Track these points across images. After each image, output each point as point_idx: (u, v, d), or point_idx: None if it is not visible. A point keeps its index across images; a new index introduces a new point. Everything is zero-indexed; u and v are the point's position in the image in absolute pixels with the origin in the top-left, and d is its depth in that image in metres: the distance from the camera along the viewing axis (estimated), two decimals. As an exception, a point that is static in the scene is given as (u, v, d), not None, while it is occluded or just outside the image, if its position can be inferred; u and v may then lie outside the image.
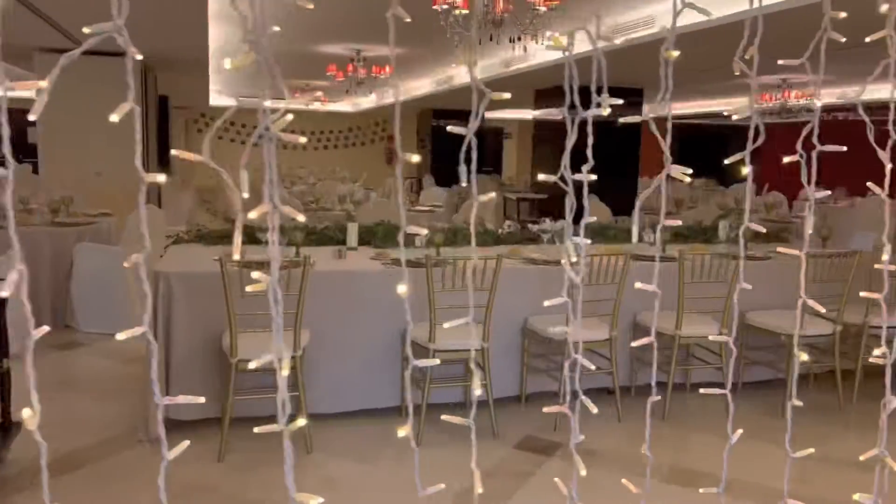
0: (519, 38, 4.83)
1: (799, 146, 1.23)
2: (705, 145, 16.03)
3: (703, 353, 4.61)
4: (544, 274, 4.26)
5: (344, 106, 19.06)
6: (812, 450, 1.37)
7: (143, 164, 0.85)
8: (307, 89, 14.12)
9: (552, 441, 3.84)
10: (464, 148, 1.01)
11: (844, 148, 1.26)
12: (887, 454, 1.40)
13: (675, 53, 1.10)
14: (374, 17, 6.27)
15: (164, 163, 15.03)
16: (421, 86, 14.13)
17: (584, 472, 1.21)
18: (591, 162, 1.13)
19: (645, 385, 4.46)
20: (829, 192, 1.67)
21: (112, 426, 3.87)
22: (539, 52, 9.00)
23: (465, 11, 5.14)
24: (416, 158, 0.95)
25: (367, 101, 17.94)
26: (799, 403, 1.44)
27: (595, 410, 1.20)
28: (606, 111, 1.10)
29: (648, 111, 1.21)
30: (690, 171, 1.17)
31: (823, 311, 1.46)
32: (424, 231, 1.17)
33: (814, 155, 1.24)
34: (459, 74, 12.62)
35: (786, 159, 1.25)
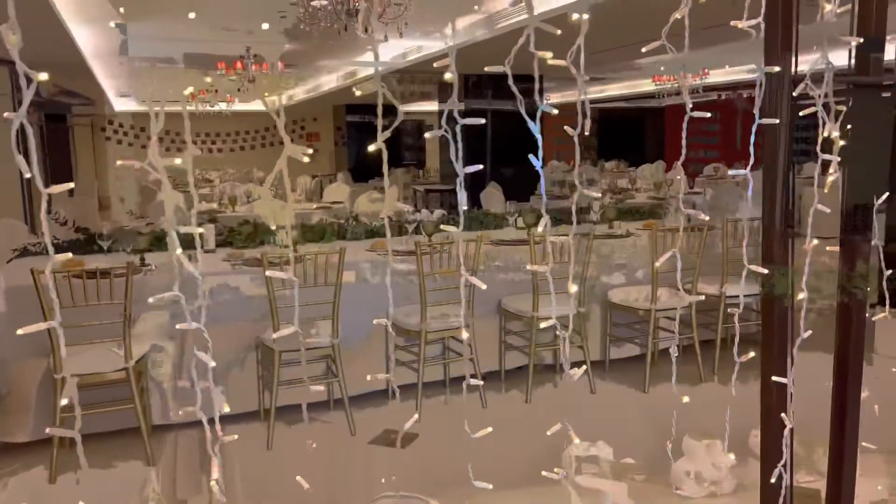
0: (366, 30, 4.74)
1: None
2: (620, 128, 16.33)
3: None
4: (406, 266, 4.21)
5: (258, 105, 18.58)
6: (489, 429, 1.35)
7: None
8: (211, 90, 13.73)
9: (410, 433, 3.80)
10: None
11: (482, 121, 1.23)
12: (570, 427, 1.40)
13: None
14: (256, 13, 6.11)
15: (60, 171, 14.40)
16: (328, 81, 13.93)
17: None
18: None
19: (513, 369, 4.47)
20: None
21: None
22: (434, 45, 8.96)
23: (322, 2, 5.04)
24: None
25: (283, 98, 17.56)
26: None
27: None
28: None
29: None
30: (311, 150, 1.13)
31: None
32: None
33: (457, 129, 1.21)
34: (365, 69, 12.46)
35: (426, 134, 1.22)
